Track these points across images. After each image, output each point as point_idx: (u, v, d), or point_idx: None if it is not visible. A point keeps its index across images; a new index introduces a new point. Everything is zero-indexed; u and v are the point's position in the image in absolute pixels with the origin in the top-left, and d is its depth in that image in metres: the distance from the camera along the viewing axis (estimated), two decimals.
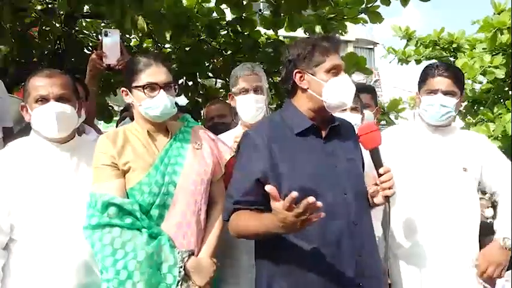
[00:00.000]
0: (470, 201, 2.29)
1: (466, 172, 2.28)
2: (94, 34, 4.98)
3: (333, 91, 1.78)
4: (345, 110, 2.36)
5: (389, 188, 1.74)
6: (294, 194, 1.43)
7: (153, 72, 1.86)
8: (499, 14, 5.75)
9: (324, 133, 1.84)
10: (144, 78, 1.86)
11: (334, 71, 1.79)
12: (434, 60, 7.27)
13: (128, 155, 1.85)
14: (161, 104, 1.85)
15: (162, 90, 1.85)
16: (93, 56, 2.51)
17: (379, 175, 1.77)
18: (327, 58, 1.78)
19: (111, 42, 2.48)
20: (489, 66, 5.58)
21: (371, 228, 1.85)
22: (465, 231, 2.26)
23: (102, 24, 4.87)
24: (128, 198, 1.81)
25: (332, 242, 1.71)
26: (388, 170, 1.75)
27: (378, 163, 1.78)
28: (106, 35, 2.48)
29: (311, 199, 1.42)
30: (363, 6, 3.90)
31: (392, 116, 5.16)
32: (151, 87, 1.85)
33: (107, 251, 1.72)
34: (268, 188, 1.49)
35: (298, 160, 1.76)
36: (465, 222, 2.27)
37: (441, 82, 2.28)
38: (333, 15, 3.94)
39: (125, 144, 1.87)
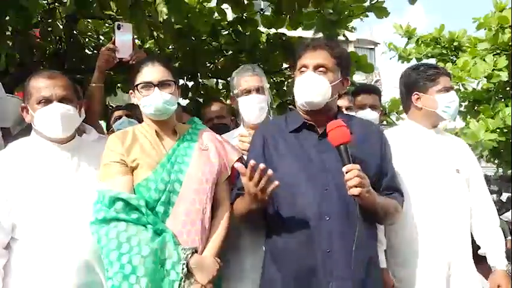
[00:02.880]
0: (464, 202, 2.31)
1: (459, 174, 2.32)
2: (95, 35, 4.99)
3: (296, 90, 1.92)
4: (365, 107, 2.59)
5: (355, 187, 1.70)
6: (252, 162, 1.65)
7: (148, 71, 1.93)
8: (500, 11, 5.75)
9: (320, 130, 1.90)
10: (139, 77, 1.94)
11: (304, 69, 1.91)
12: (434, 59, 7.28)
13: (136, 152, 1.90)
14: (154, 102, 1.90)
15: (156, 88, 1.90)
16: (104, 50, 2.48)
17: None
18: (298, 60, 1.91)
19: (124, 36, 2.42)
20: (493, 70, 5.56)
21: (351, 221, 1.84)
22: (461, 233, 2.28)
23: (106, 25, 4.88)
24: (135, 194, 1.84)
25: (302, 236, 1.80)
26: (351, 169, 1.70)
27: (343, 160, 1.73)
28: (119, 28, 2.42)
29: (262, 165, 1.65)
30: (367, 3, 3.89)
31: (393, 117, 5.16)
32: (146, 85, 1.92)
33: (112, 245, 1.75)
34: (238, 165, 1.72)
35: (287, 155, 1.90)
36: (460, 222, 2.29)
37: (449, 80, 2.35)
38: (336, 18, 3.92)
39: (133, 142, 1.93)
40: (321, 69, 1.89)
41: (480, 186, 2.39)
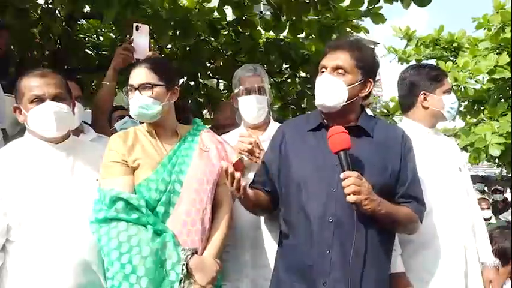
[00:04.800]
0: (467, 200, 2.34)
1: (461, 172, 2.34)
2: (94, 34, 4.99)
3: (315, 91, 1.91)
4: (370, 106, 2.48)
5: (352, 194, 1.69)
6: (224, 164, 1.74)
7: (133, 74, 1.93)
8: (499, 11, 5.75)
9: None
10: (129, 80, 1.94)
11: (323, 70, 1.91)
12: (433, 60, 7.27)
13: (137, 152, 1.89)
14: (133, 105, 1.90)
15: (136, 91, 1.90)
16: (120, 50, 2.49)
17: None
18: (321, 61, 1.93)
19: (141, 37, 2.46)
20: (495, 66, 5.56)
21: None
22: (468, 231, 2.29)
23: (102, 25, 4.88)
24: (136, 194, 1.84)
25: (305, 234, 1.82)
26: (348, 176, 1.71)
27: (342, 167, 1.73)
28: (137, 29, 2.46)
29: (224, 164, 1.75)
30: (365, 8, 3.89)
31: (397, 119, 5.16)
32: (130, 89, 1.92)
33: (113, 245, 1.74)
34: (223, 164, 1.77)
35: (302, 154, 1.91)
36: (467, 220, 2.29)
37: (449, 82, 2.35)
38: (334, 23, 3.93)
39: (135, 142, 1.92)
40: (339, 70, 1.86)
41: (471, 184, 2.46)
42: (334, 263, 1.77)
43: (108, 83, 2.55)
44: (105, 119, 2.75)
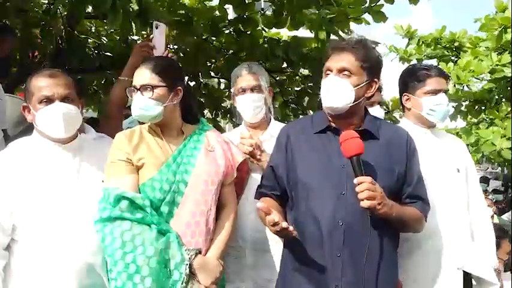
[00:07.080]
0: (464, 201, 2.33)
1: (459, 173, 2.32)
2: (96, 34, 4.99)
3: (321, 94, 1.89)
4: (374, 104, 2.62)
5: (366, 199, 1.69)
6: (272, 217, 1.69)
7: (135, 75, 1.93)
8: (502, 11, 5.74)
9: None
10: (132, 81, 1.95)
11: (328, 72, 1.89)
12: (435, 60, 7.27)
13: (142, 151, 1.89)
14: (134, 106, 1.90)
15: (138, 92, 1.89)
16: (140, 46, 2.50)
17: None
18: (326, 62, 1.92)
19: (160, 35, 2.48)
20: (497, 65, 5.55)
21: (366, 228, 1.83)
22: (464, 232, 2.29)
23: (106, 27, 4.88)
24: (140, 193, 1.83)
25: (315, 237, 1.81)
26: (362, 181, 1.71)
27: (355, 172, 1.73)
28: (156, 27, 2.49)
29: (284, 224, 1.69)
30: (366, 5, 3.87)
31: (396, 115, 5.16)
32: (132, 89, 1.92)
33: (117, 244, 1.74)
34: (260, 205, 1.73)
35: (309, 156, 1.90)
36: (462, 222, 2.29)
37: (441, 82, 2.31)
38: (334, 15, 3.90)
39: (140, 141, 1.92)
40: (345, 72, 1.85)
41: (475, 186, 2.42)
42: (346, 266, 1.77)
43: (126, 79, 2.53)
44: (121, 116, 2.72)
